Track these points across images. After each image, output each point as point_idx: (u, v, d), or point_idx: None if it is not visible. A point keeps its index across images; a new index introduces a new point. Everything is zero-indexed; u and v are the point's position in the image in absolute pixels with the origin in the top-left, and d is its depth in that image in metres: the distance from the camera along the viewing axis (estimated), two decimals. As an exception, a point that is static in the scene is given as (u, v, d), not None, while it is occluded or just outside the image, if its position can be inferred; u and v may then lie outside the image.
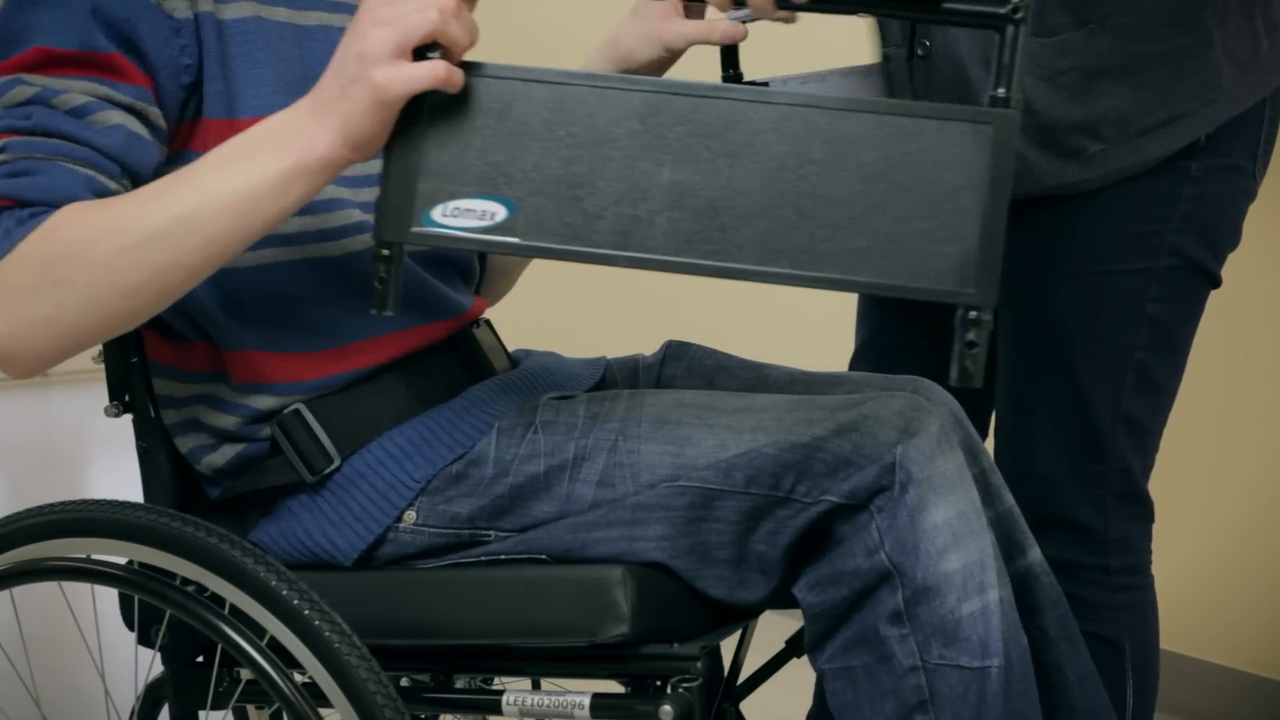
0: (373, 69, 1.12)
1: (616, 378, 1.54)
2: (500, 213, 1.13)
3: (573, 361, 1.53)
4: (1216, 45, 1.55)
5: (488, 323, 1.50)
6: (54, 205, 1.17)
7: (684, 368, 1.53)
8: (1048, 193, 1.60)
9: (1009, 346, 1.69)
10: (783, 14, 1.25)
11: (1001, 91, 1.08)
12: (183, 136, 1.29)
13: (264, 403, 1.33)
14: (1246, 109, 1.59)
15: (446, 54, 1.13)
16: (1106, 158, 1.57)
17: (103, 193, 1.19)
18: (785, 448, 1.23)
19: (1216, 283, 1.66)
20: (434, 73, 1.12)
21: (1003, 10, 1.08)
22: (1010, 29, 1.08)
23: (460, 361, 1.42)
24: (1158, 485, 2.70)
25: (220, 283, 1.30)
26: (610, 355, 1.57)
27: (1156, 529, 2.48)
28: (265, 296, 1.32)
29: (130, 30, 1.23)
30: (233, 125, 1.27)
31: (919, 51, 1.56)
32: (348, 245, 1.33)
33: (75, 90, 1.21)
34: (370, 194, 1.32)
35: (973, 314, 1.08)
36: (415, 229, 1.14)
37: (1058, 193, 1.60)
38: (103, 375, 1.40)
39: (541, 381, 1.44)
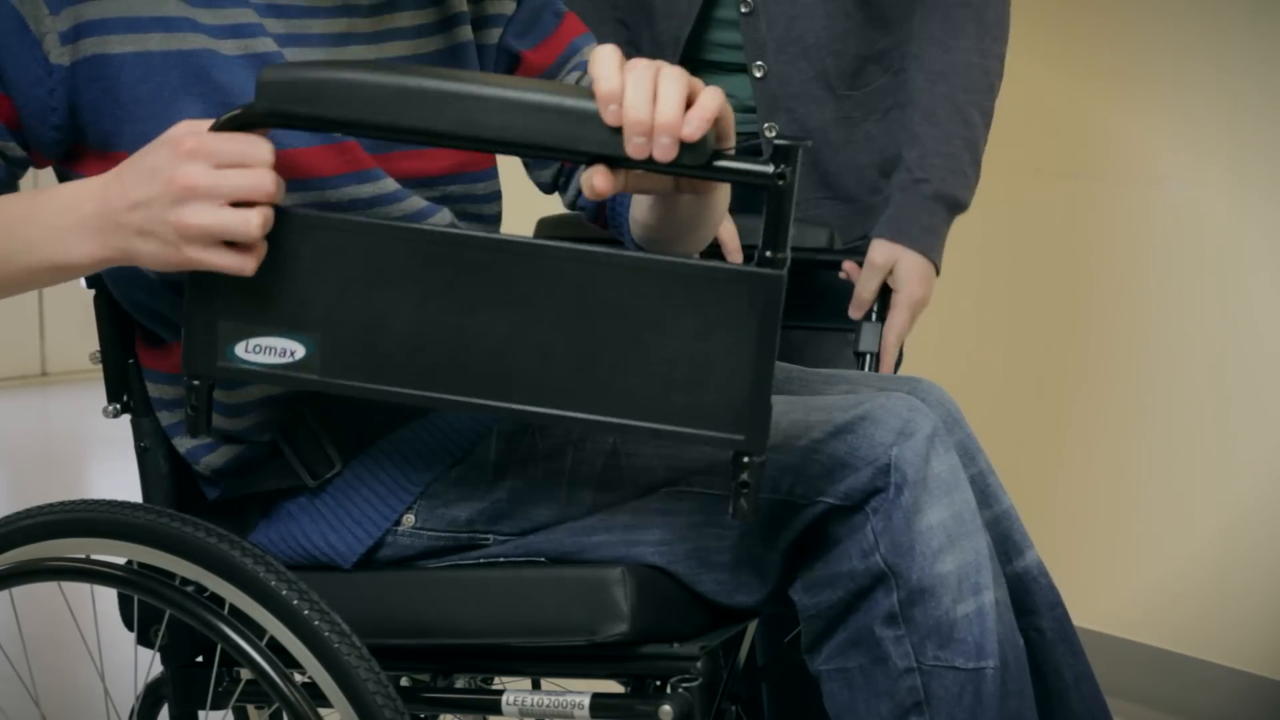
0: (187, 245, 1.13)
1: None
2: (299, 350, 1.18)
3: None
4: None
5: None
6: None
7: None
8: None
9: None
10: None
11: (770, 253, 1.11)
12: (85, 159, 1.29)
13: (251, 393, 1.33)
14: None
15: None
16: None
17: None
18: (783, 451, 1.23)
19: None
20: (242, 267, 1.14)
21: (768, 172, 1.09)
22: (775, 191, 1.09)
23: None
24: (1158, 486, 2.71)
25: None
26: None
27: (1157, 529, 2.49)
28: None
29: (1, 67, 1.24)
30: None
31: (757, 73, 1.81)
32: None
33: None
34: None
35: (745, 458, 1.12)
36: (221, 363, 1.18)
37: None
38: (101, 375, 1.40)
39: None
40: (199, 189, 1.12)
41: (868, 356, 1.77)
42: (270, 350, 1.18)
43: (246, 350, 1.18)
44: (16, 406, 5.69)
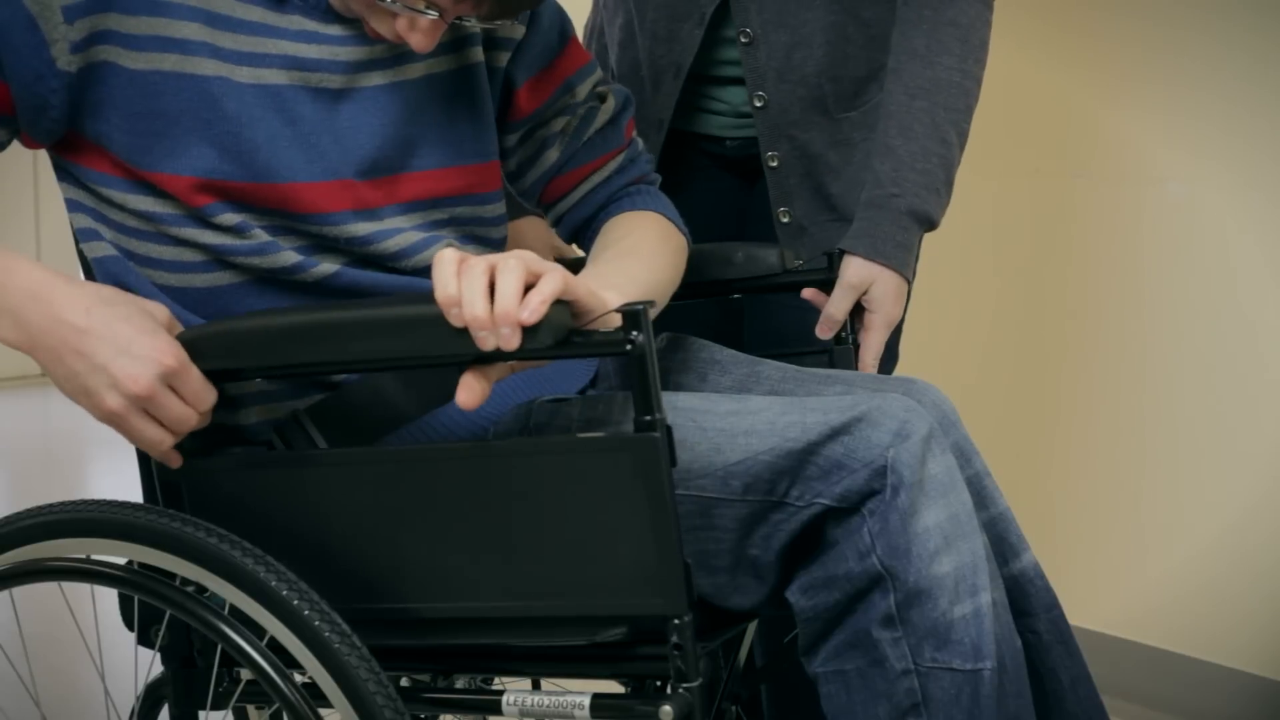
0: (100, 414, 1.23)
1: (610, 371, 1.54)
2: None
3: None
4: None
5: None
6: None
7: (678, 361, 1.53)
8: None
9: None
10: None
11: (647, 418, 1.15)
12: (78, 148, 1.32)
13: (249, 386, 1.33)
14: None
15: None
16: None
17: None
18: (781, 454, 1.23)
19: None
20: (165, 459, 1.26)
21: (620, 338, 1.14)
22: (635, 359, 1.14)
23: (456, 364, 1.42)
24: (1159, 486, 2.71)
25: (174, 296, 1.32)
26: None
27: (1157, 529, 2.48)
28: (219, 310, 1.34)
29: (6, 64, 1.26)
30: (154, 177, 1.29)
31: (758, 103, 1.80)
32: (297, 278, 1.35)
33: None
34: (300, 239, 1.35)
35: (674, 620, 1.16)
36: (209, 596, 1.27)
37: None
38: (103, 376, 1.40)
39: (536, 382, 1.44)
40: (149, 402, 1.21)
41: None
42: None
43: None
44: (16, 406, 5.70)
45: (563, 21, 1.53)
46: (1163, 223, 2.59)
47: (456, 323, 1.12)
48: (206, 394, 1.24)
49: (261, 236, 1.32)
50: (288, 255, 1.33)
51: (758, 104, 1.79)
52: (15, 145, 1.35)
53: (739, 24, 1.78)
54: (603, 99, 1.55)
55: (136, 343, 1.21)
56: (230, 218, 1.31)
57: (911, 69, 1.70)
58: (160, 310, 1.26)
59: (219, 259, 1.32)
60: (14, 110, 1.29)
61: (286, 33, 1.33)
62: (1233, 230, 2.50)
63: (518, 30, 1.48)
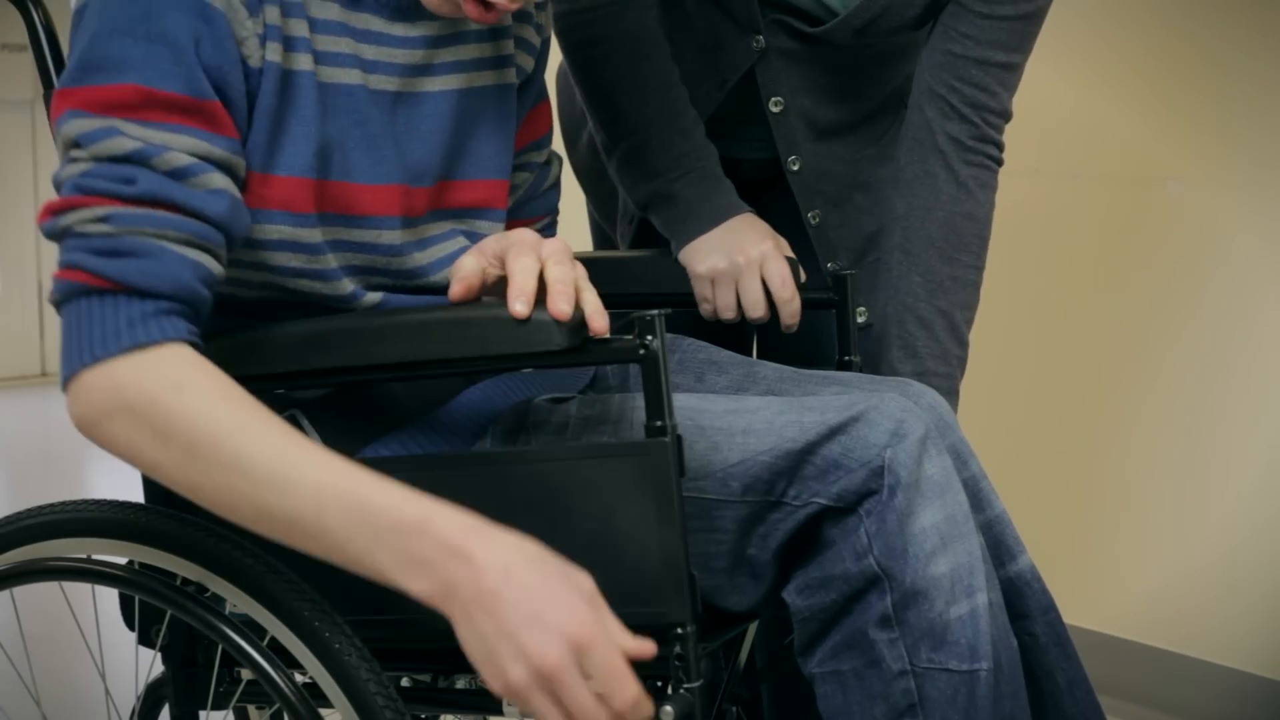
0: (519, 692, 1.03)
1: (608, 370, 1.54)
2: None
3: None
4: None
5: None
6: (161, 294, 1.14)
7: (675, 361, 1.53)
8: None
9: None
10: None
11: (659, 423, 1.16)
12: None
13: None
14: None
15: None
16: None
17: (208, 279, 1.17)
18: (779, 454, 1.24)
19: None
20: None
21: (633, 344, 1.16)
22: (649, 364, 1.16)
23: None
24: (1157, 486, 2.71)
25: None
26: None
27: (1157, 529, 2.47)
28: (259, 317, 1.32)
29: (222, 77, 1.20)
30: (265, 180, 1.26)
31: (793, 166, 1.77)
32: (347, 306, 1.33)
33: (177, 147, 1.16)
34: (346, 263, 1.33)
35: (676, 630, 1.16)
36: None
37: None
38: (102, 375, 1.39)
39: (535, 381, 1.44)
40: (554, 682, 1.02)
41: None
42: None
43: None
44: (16, 406, 5.69)
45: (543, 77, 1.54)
46: (1164, 222, 2.59)
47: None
48: (624, 681, 1.02)
49: (330, 263, 1.30)
50: (345, 284, 1.31)
51: (793, 167, 1.78)
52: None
53: (768, 94, 1.76)
54: (548, 163, 1.57)
55: (550, 611, 1.03)
56: (311, 234, 1.29)
57: (930, 261, 1.69)
58: (585, 579, 1.06)
59: (273, 281, 1.30)
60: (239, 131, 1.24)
61: (355, 31, 1.32)
62: (1233, 230, 2.50)
63: (528, 62, 1.48)
